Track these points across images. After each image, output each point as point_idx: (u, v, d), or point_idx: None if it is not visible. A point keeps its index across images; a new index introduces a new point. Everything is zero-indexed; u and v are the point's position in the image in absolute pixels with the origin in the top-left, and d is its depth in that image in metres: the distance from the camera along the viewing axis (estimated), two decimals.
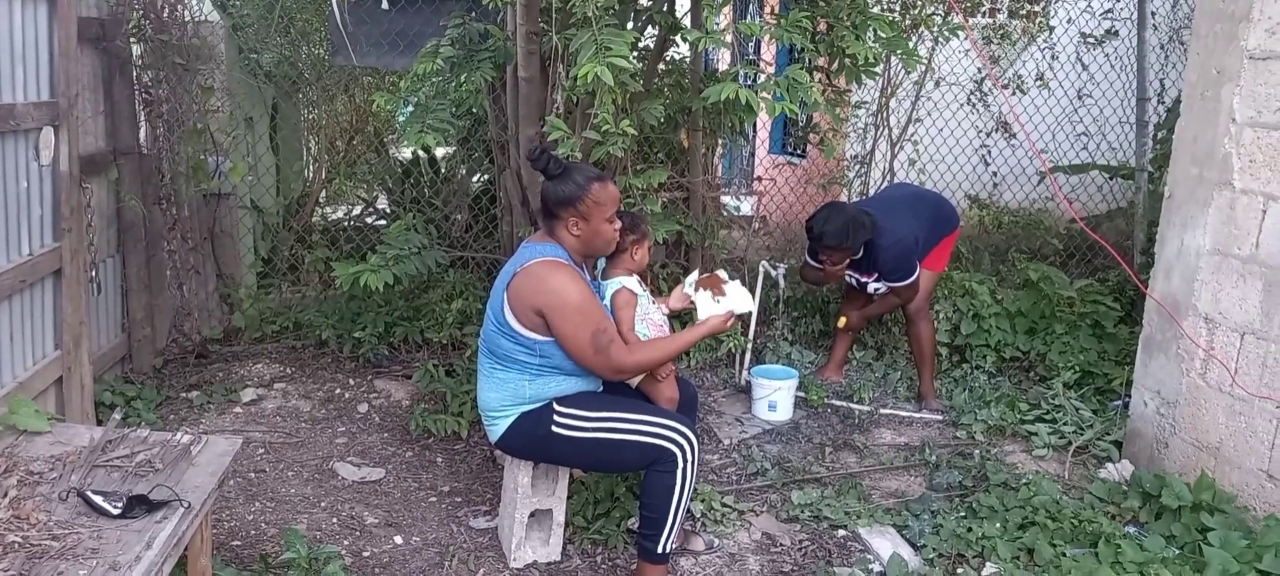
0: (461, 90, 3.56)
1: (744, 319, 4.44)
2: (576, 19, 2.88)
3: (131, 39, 4.01)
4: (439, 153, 5.55)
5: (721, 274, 2.88)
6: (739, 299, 2.80)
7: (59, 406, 3.17)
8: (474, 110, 4.21)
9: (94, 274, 3.62)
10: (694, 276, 2.91)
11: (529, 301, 2.56)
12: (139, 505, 1.98)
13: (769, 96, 2.89)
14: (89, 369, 3.29)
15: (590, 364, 2.59)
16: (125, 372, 4.09)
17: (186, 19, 4.27)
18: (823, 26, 3.35)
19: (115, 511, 1.95)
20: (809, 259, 4.25)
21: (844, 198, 5.82)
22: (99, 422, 3.35)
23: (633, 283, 2.84)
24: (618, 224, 2.70)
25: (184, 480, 2.17)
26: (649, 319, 2.86)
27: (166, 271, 4.28)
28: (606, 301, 2.82)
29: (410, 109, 3.58)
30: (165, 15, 4.11)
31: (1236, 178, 3.11)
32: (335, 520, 3.15)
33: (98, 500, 1.97)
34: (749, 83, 3.03)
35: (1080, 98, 6.41)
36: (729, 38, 5.34)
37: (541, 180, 2.69)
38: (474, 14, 3.88)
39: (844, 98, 3.65)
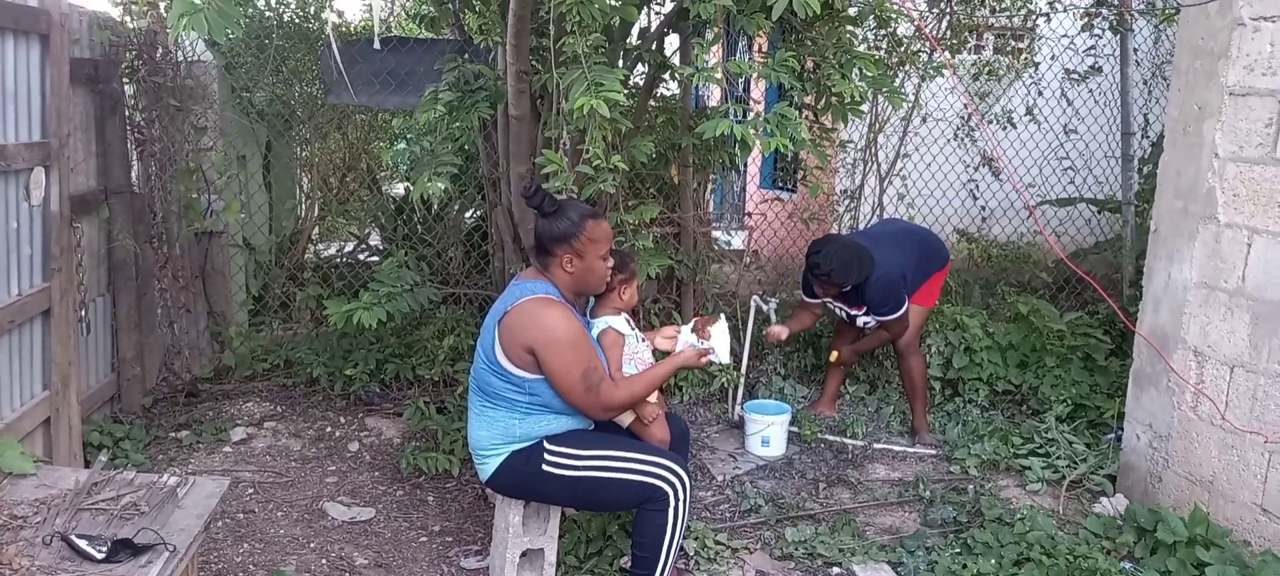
0: (451, 129, 3.59)
1: (732, 355, 4.46)
2: (567, 58, 2.91)
3: (124, 79, 4.03)
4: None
5: (721, 319, 2.88)
6: (718, 342, 2.80)
7: (47, 447, 3.14)
8: (466, 148, 4.24)
9: (84, 313, 3.61)
10: (688, 327, 2.91)
11: (520, 339, 2.55)
12: (124, 549, 1.96)
13: (760, 133, 2.91)
14: (77, 409, 3.27)
15: (581, 402, 2.58)
16: (114, 412, 4.06)
17: (180, 59, 4.31)
18: (810, 65, 3.39)
19: (99, 556, 1.93)
20: (805, 296, 4.27)
21: (833, 232, 5.85)
22: (87, 463, 3.32)
23: (619, 322, 2.84)
24: (611, 261, 2.71)
25: (170, 523, 2.14)
26: (637, 358, 2.86)
27: (157, 310, 4.27)
28: (593, 341, 2.81)
29: (402, 147, 3.60)
30: (158, 56, 4.14)
31: (1221, 212, 3.15)
32: (324, 561, 3.12)
33: (82, 544, 1.95)
34: (739, 120, 3.06)
35: (1067, 133, 6.49)
36: (719, 75, 5.40)
37: (533, 217, 2.69)
38: (466, 55, 3.92)
39: (829, 136, 3.69)
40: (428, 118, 3.56)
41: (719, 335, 2.81)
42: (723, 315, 2.88)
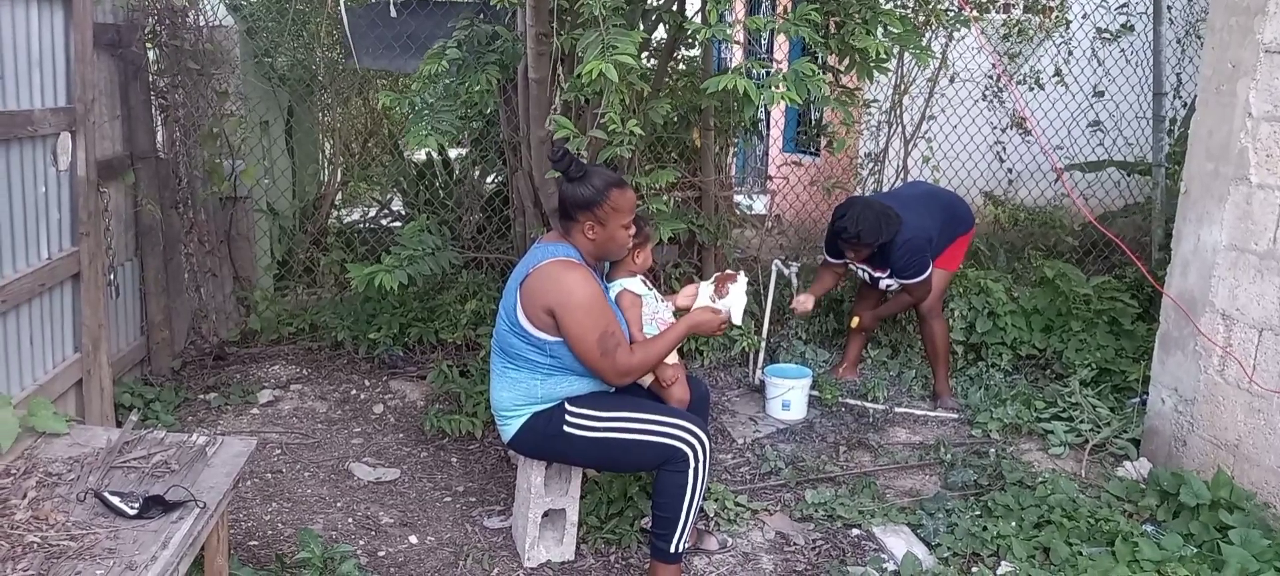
0: (471, 92, 3.57)
1: (753, 317, 4.45)
2: (584, 19, 2.88)
3: (147, 44, 4.05)
4: (452, 154, 5.57)
5: (740, 277, 2.86)
6: (733, 302, 2.79)
7: (79, 408, 3.21)
8: (485, 111, 4.22)
9: (112, 277, 3.67)
10: (709, 284, 2.90)
11: (541, 301, 2.57)
12: (155, 505, 2.00)
13: (780, 89, 2.86)
14: (108, 371, 3.33)
15: (597, 365, 2.59)
16: (144, 375, 4.14)
17: (201, 24, 4.32)
18: (833, 25, 3.33)
19: (132, 512, 1.98)
20: (828, 256, 4.24)
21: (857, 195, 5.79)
22: (119, 424, 3.39)
23: (635, 284, 2.84)
24: (633, 230, 2.71)
25: (200, 481, 2.19)
26: (658, 318, 2.86)
27: (184, 274, 4.33)
28: (611, 304, 2.82)
29: (417, 110, 3.60)
30: (179, 20, 4.15)
31: (1253, 172, 3.08)
32: (351, 520, 3.18)
33: (114, 501, 1.99)
34: (758, 78, 3.01)
35: (1097, 94, 6.36)
36: (739, 34, 5.33)
37: (556, 181, 2.69)
38: (483, 16, 3.90)
39: (853, 96, 3.63)
40: (429, 70, 3.53)
41: (736, 294, 2.79)
42: (743, 274, 2.86)
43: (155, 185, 4.09)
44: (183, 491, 2.08)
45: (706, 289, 2.89)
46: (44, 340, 3.02)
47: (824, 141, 5.79)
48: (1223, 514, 2.94)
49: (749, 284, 2.87)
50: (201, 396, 4.07)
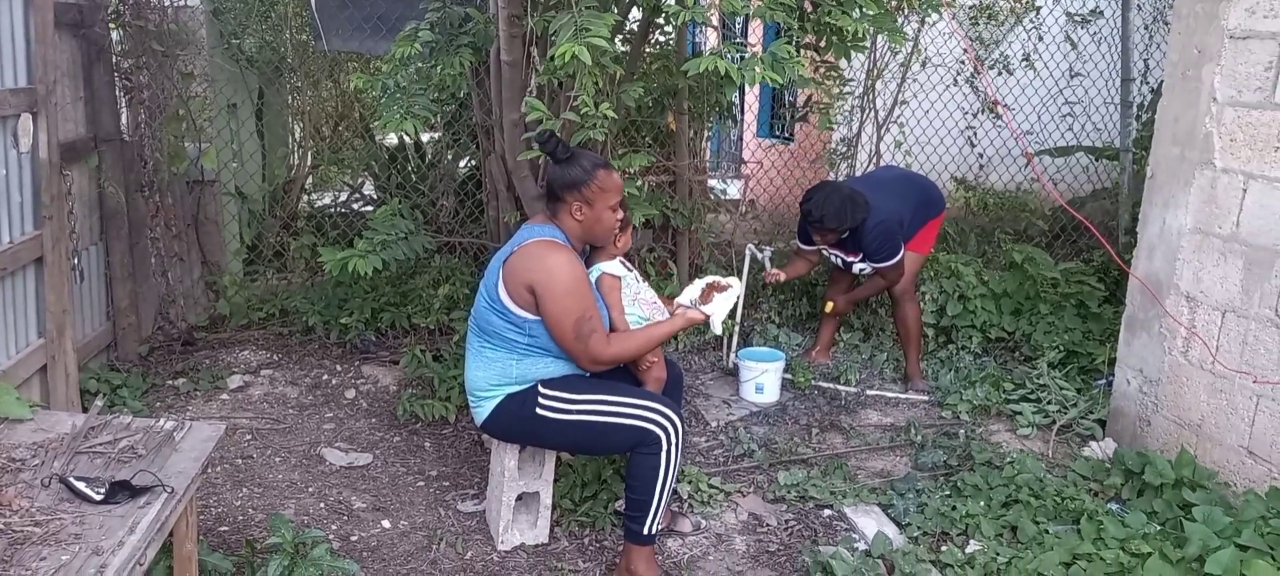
0: (444, 75, 3.54)
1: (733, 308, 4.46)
2: (557, 1, 2.86)
3: (110, 25, 3.97)
4: (424, 137, 5.52)
5: (731, 290, 2.83)
6: (716, 309, 2.76)
7: (44, 394, 3.16)
8: (458, 95, 4.19)
9: (77, 261, 3.60)
10: (700, 283, 2.87)
11: (523, 278, 2.56)
12: (122, 491, 1.97)
13: (760, 71, 2.85)
14: (73, 357, 3.28)
15: (571, 349, 2.59)
16: (111, 361, 4.07)
17: (165, 4, 4.24)
18: (809, 6, 3.34)
19: (98, 497, 1.95)
20: (800, 243, 4.27)
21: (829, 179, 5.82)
22: (85, 410, 3.34)
23: (614, 266, 2.84)
24: (620, 213, 2.71)
25: (167, 465, 2.16)
26: (640, 299, 2.85)
27: (151, 259, 4.26)
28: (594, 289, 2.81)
29: (389, 93, 3.56)
30: (144, 1, 4.07)
31: (1217, 157, 3.13)
32: (323, 505, 3.16)
33: (80, 486, 1.96)
34: (735, 60, 3.01)
35: (1069, 76, 6.43)
36: (714, 17, 5.32)
37: (541, 164, 2.67)
38: None
39: (830, 75, 3.64)
40: (402, 53, 3.50)
41: (721, 302, 2.77)
42: (734, 289, 2.83)
43: (120, 168, 4.02)
44: (150, 476, 2.05)
45: (692, 290, 2.87)
46: (6, 325, 2.97)
47: (798, 127, 5.82)
48: (1186, 492, 3.00)
49: (738, 298, 2.83)
50: (170, 382, 4.02)
